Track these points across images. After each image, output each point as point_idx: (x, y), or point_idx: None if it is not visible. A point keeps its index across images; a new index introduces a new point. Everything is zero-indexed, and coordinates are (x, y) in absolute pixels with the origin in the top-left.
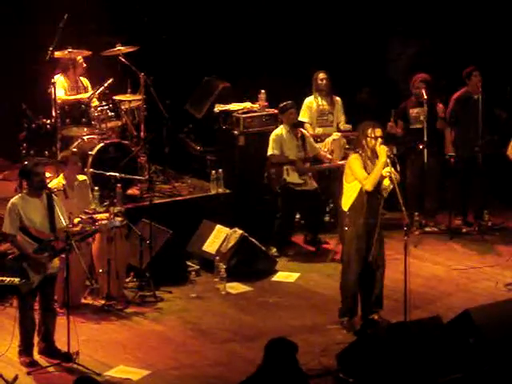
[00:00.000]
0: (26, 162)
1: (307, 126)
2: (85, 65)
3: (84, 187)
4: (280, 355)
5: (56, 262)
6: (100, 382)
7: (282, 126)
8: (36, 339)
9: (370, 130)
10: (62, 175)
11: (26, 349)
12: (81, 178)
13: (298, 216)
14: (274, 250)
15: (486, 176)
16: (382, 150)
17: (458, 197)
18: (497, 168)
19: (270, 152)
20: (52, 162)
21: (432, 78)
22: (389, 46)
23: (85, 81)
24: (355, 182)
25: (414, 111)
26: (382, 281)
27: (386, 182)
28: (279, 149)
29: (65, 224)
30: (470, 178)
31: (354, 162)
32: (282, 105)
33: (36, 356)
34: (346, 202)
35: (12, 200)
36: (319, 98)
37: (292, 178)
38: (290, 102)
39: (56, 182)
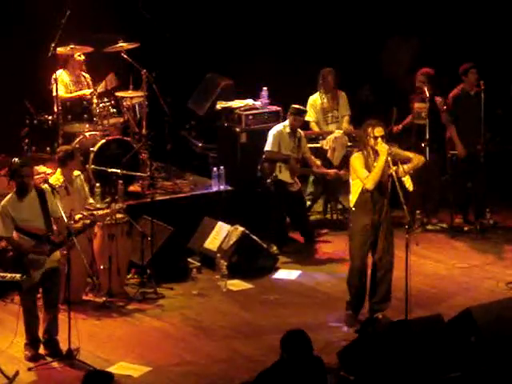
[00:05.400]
0: (13, 160)
1: (313, 124)
2: (82, 58)
3: (80, 182)
4: (298, 347)
5: (57, 255)
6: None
7: (284, 124)
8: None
9: (370, 129)
10: (59, 171)
11: (30, 343)
12: (76, 173)
13: None
14: (274, 248)
15: (488, 174)
16: (383, 149)
17: (459, 195)
18: (499, 166)
19: (268, 148)
20: (57, 157)
21: (435, 73)
22: (389, 44)
23: (87, 76)
24: (358, 180)
25: (417, 106)
26: (389, 278)
27: (407, 183)
28: (277, 146)
29: (63, 216)
30: (471, 175)
31: (355, 160)
32: (298, 106)
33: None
34: (352, 199)
35: (2, 203)
36: (323, 95)
37: (283, 176)
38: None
39: (54, 178)
